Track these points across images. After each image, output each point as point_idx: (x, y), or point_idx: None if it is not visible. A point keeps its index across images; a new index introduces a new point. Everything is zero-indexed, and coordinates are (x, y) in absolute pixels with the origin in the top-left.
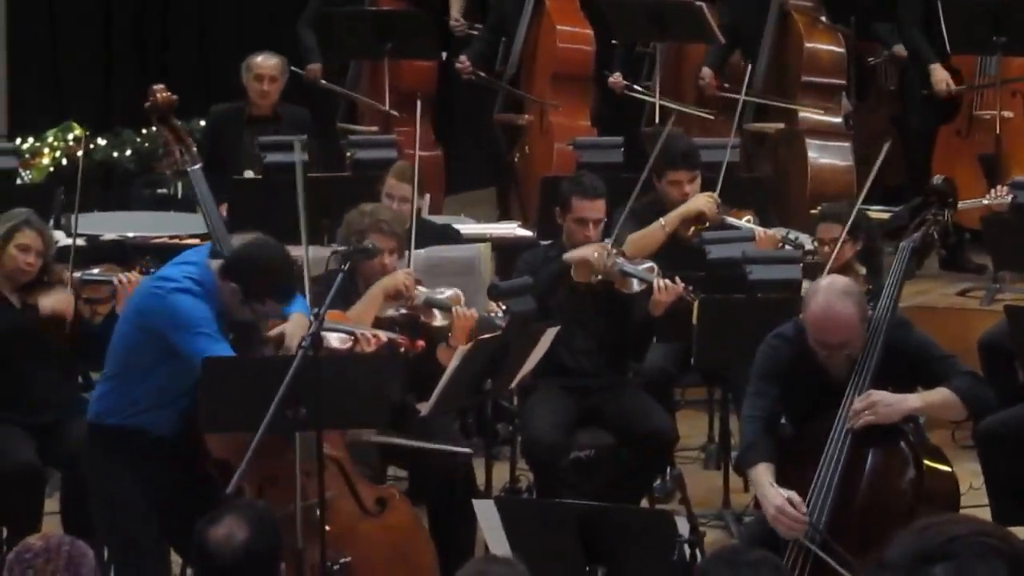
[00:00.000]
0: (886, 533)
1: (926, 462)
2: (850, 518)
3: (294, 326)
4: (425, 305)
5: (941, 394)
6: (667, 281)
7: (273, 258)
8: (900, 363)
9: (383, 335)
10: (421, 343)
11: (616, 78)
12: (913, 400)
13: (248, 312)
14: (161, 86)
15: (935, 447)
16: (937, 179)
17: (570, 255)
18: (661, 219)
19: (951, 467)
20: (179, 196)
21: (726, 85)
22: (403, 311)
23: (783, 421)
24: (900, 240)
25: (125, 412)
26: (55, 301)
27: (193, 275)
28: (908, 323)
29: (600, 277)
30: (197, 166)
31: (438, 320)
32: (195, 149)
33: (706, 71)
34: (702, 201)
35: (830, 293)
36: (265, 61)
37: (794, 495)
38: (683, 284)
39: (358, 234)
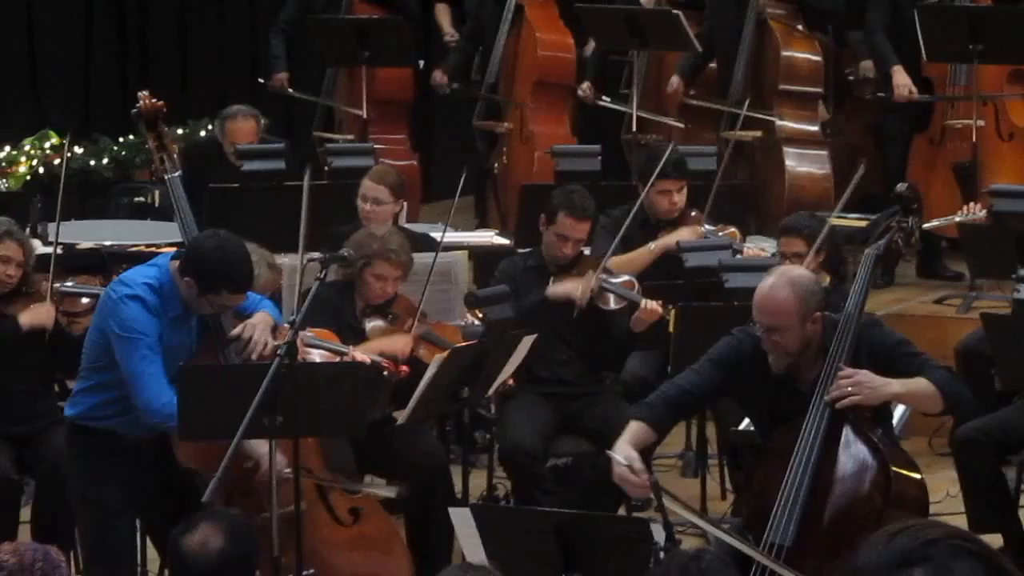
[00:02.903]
0: (854, 538)
1: (894, 468)
2: (818, 523)
3: (255, 323)
4: (423, 338)
5: (921, 383)
6: (652, 302)
7: (224, 248)
8: (873, 361)
9: (367, 357)
10: (405, 368)
11: (585, 89)
12: (895, 385)
13: (206, 305)
14: (146, 92)
15: (905, 453)
16: (901, 186)
17: (553, 292)
18: (651, 244)
19: (920, 474)
20: (156, 204)
21: (692, 92)
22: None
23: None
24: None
25: (95, 415)
26: (34, 315)
27: (151, 279)
28: (881, 322)
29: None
30: (176, 174)
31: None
32: (176, 157)
33: (675, 79)
34: (686, 234)
35: (779, 276)
36: (242, 126)
37: (635, 459)
38: (661, 302)
39: (365, 258)
